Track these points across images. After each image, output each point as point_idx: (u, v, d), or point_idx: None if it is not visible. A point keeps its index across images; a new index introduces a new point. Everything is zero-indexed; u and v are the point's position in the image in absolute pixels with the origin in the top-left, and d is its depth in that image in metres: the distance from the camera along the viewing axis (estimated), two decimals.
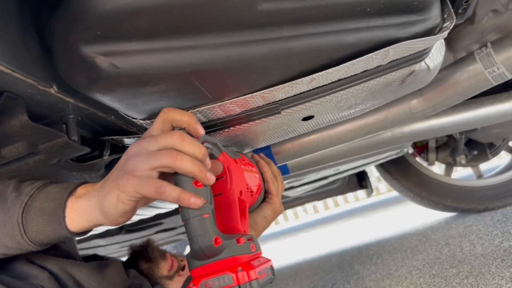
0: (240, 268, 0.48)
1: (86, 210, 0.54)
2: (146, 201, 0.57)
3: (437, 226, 1.82)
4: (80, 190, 0.56)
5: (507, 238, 1.22)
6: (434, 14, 0.60)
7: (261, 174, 0.76)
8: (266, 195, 0.76)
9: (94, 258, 0.87)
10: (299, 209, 5.96)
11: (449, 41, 1.01)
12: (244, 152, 0.94)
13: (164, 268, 1.16)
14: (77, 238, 1.24)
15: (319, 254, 2.20)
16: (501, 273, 0.94)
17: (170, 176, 0.51)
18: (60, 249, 0.73)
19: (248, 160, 0.72)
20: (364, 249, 1.88)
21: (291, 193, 1.96)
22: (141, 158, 0.49)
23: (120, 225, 0.55)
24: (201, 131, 0.53)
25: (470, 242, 1.33)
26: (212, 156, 0.60)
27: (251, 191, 0.68)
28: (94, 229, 0.60)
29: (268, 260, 0.57)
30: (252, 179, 0.69)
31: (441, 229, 1.72)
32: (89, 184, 0.57)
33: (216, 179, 0.61)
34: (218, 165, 0.60)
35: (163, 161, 0.48)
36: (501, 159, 2.14)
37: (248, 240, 0.54)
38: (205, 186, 0.51)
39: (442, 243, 1.45)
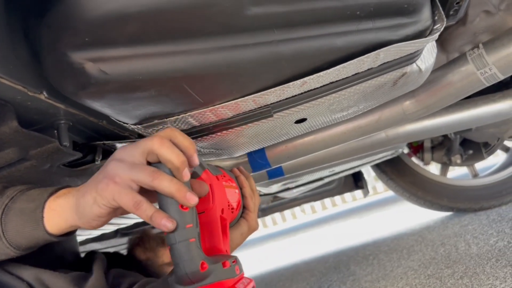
0: None
1: (63, 209, 0.53)
2: (123, 211, 0.56)
3: (433, 225, 1.83)
4: (62, 191, 0.55)
5: (502, 237, 1.23)
6: (425, 16, 0.60)
7: (240, 189, 0.74)
8: (243, 210, 0.74)
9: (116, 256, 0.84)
10: (297, 209, 5.97)
11: (442, 42, 1.01)
12: (238, 155, 0.94)
13: (164, 255, 1.14)
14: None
15: (316, 255, 2.20)
16: (495, 273, 0.94)
17: (153, 193, 0.50)
18: (53, 250, 0.72)
19: (228, 176, 0.70)
20: (360, 249, 1.88)
21: (287, 194, 1.96)
22: (123, 166, 0.48)
23: (96, 229, 0.54)
24: (196, 161, 0.52)
25: (465, 242, 1.33)
26: (195, 175, 0.58)
27: (232, 208, 0.66)
28: (89, 233, 0.59)
29: (250, 281, 0.57)
30: (232, 195, 0.68)
31: (437, 228, 1.72)
32: (73, 187, 0.56)
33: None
34: (203, 186, 0.57)
35: (143, 178, 0.47)
36: (498, 157, 2.13)
37: (233, 262, 0.54)
38: (191, 209, 0.50)
39: (438, 243, 1.45)
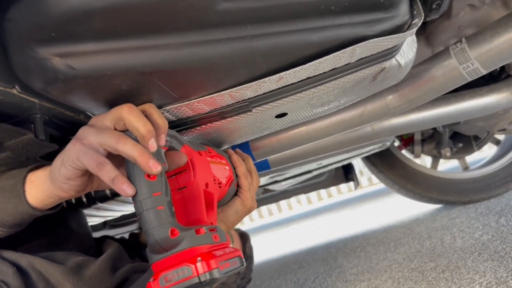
0: (199, 258, 0.47)
1: (40, 180, 0.54)
2: (98, 183, 0.57)
3: (422, 218, 1.84)
4: (42, 166, 0.56)
5: (487, 231, 1.23)
6: (402, 11, 0.59)
7: (234, 168, 0.75)
8: (238, 189, 0.76)
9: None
10: (292, 200, 5.99)
11: (427, 36, 1.00)
12: (222, 148, 0.94)
13: None
14: None
15: (306, 247, 2.21)
16: (476, 267, 0.94)
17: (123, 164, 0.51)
18: (63, 231, 0.74)
19: (215, 152, 0.71)
20: (349, 241, 1.89)
21: (277, 187, 1.96)
22: (92, 130, 0.50)
23: (69, 195, 0.55)
24: (162, 141, 0.53)
25: (451, 235, 1.34)
26: (172, 149, 0.59)
27: (220, 183, 0.67)
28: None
29: (235, 250, 0.56)
30: (220, 171, 0.68)
31: (426, 221, 1.73)
32: None
33: (179, 172, 0.60)
34: (181, 156, 0.58)
35: (108, 140, 0.48)
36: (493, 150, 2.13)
37: (210, 230, 0.53)
38: (159, 178, 0.50)
39: (425, 235, 1.46)
